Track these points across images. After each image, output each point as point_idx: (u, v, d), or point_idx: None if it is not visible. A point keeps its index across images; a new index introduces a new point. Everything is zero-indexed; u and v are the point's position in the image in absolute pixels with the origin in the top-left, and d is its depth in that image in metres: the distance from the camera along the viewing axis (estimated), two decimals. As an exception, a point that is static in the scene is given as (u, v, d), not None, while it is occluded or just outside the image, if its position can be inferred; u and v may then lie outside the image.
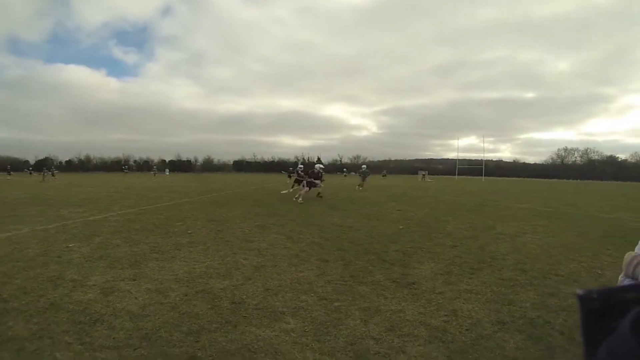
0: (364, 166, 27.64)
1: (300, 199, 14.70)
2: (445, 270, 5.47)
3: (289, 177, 30.03)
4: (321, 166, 17.17)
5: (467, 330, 3.47)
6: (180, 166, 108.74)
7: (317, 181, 16.31)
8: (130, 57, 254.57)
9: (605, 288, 0.44)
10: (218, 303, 3.93)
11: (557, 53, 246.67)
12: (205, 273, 5.01)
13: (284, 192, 20.29)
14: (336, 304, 4.02)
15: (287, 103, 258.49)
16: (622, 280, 1.47)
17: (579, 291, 0.46)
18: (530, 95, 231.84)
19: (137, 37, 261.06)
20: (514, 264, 5.90)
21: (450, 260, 6.06)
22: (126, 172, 75.09)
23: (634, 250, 1.49)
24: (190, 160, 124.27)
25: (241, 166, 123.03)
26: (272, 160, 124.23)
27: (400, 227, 9.40)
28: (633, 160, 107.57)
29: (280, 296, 4.18)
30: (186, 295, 4.12)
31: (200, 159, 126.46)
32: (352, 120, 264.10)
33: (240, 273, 5.04)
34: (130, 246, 6.55)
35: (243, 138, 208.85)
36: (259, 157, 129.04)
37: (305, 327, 3.44)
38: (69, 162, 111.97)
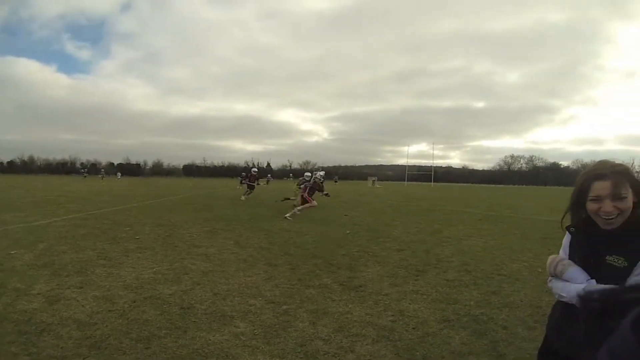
0: (322, 172, 27.89)
1: (298, 212, 12.58)
2: (392, 273, 5.72)
3: (241, 182, 30.37)
4: (321, 174, 14.17)
5: (413, 328, 3.66)
6: (129, 170, 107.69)
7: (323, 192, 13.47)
8: (83, 53, 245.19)
9: (606, 289, 0.46)
10: (167, 309, 4.01)
11: (509, 65, 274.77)
12: (154, 279, 5.10)
13: (243, 198, 19.87)
14: (284, 307, 4.17)
15: (241, 107, 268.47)
16: (549, 279, 1.60)
17: (580, 292, 0.47)
18: (480, 104, 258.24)
19: (93, 32, 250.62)
20: (458, 266, 6.28)
21: (396, 264, 6.34)
22: (85, 176, 68.95)
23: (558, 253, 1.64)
24: (139, 164, 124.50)
25: (191, 171, 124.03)
26: (222, 165, 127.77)
27: (348, 231, 9.70)
28: (575, 167, 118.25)
29: (229, 300, 4.33)
30: (134, 302, 4.18)
31: (150, 163, 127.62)
32: (303, 125, 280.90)
33: (189, 278, 5.18)
34: (77, 252, 6.52)
35: (194, 142, 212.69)
36: (209, 162, 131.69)
37: (255, 330, 3.54)
38: (11, 163, 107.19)
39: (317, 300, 4.43)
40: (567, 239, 1.62)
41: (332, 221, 11.93)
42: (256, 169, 21.86)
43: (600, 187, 1.37)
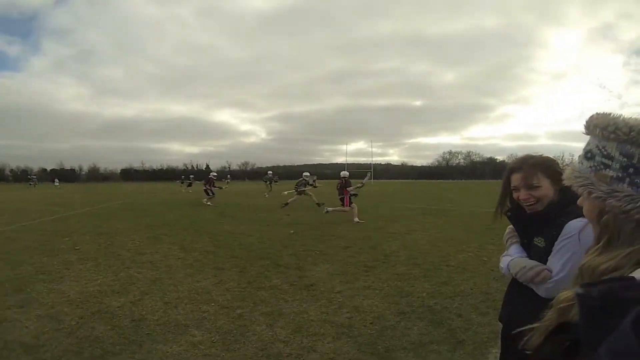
0: (270, 172, 29.88)
1: (356, 219, 12.04)
2: (341, 270, 5.89)
3: (189, 185, 31.48)
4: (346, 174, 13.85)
5: (371, 323, 3.81)
6: (64, 176, 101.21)
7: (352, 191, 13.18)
8: (12, 49, 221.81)
9: (605, 287, 0.48)
10: (118, 322, 3.94)
11: (446, 66, 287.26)
12: (99, 291, 5.00)
13: (207, 202, 19.34)
14: (239, 311, 4.20)
15: (178, 108, 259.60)
16: (503, 256, 1.78)
17: (579, 290, 0.50)
18: (418, 103, 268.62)
19: (23, 25, 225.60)
20: (406, 260, 6.59)
21: (344, 261, 6.54)
22: (33, 185, 60.55)
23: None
24: (74, 169, 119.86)
25: (129, 175, 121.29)
26: (161, 168, 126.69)
27: (292, 231, 9.87)
28: (509, 161, 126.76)
29: (181, 308, 4.33)
30: (82, 318, 4.07)
31: (86, 168, 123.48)
32: (241, 126, 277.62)
33: (136, 288, 5.13)
34: (13, 269, 6.26)
35: (131, 145, 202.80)
36: (147, 165, 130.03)
37: (213, 338, 3.54)
38: None
39: (270, 302, 4.49)
40: None
41: (275, 222, 12.10)
42: (215, 173, 22.34)
43: (515, 179, 1.66)
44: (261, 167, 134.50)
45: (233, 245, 8.05)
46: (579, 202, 0.77)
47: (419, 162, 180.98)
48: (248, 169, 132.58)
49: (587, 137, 0.75)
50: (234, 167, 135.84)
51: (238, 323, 3.86)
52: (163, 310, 4.26)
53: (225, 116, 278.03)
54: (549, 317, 0.68)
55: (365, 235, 9.32)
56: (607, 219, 0.67)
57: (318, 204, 15.95)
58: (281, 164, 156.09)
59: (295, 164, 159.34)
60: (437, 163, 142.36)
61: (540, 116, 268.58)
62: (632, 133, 0.64)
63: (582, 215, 1.39)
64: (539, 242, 1.62)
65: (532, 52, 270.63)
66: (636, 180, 0.64)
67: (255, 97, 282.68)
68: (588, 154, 0.72)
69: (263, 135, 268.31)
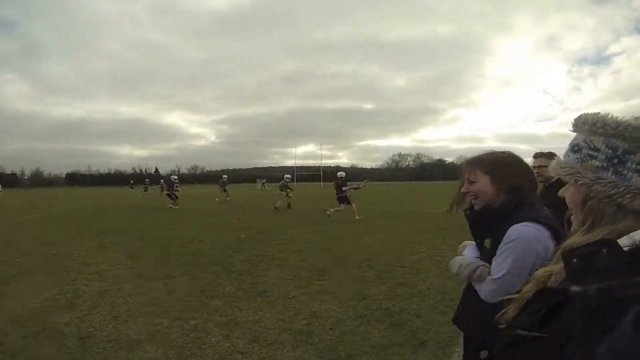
0: (225, 176, 29.68)
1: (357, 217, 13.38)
2: (294, 275, 5.89)
3: (145, 190, 31.85)
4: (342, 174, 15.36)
5: (330, 329, 3.81)
6: (3, 180, 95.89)
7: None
8: None
9: (603, 285, 0.50)
10: (65, 341, 3.75)
11: (398, 70, 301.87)
12: (44, 307, 4.76)
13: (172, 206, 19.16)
14: (192, 322, 4.09)
15: (128, 109, 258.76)
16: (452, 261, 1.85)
17: (576, 288, 0.51)
18: (369, 106, 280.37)
19: None
20: (360, 262, 6.68)
21: (297, 265, 6.55)
22: None
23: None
24: (16, 174, 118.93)
25: (75, 179, 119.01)
26: (108, 172, 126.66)
27: (242, 236, 9.83)
28: (459, 163, 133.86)
29: (132, 322, 4.17)
30: (26, 338, 3.86)
31: (28, 172, 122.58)
32: (191, 129, 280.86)
33: (84, 302, 4.93)
34: None
35: (78, 147, 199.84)
36: (94, 170, 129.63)
37: (167, 353, 3.42)
38: None
39: (224, 310, 4.40)
40: None
41: (225, 226, 12.08)
42: (176, 176, 22.29)
43: (461, 174, 1.76)
44: (211, 171, 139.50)
45: (183, 252, 7.94)
46: (560, 192, 0.86)
47: (368, 164, 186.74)
48: (197, 172, 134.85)
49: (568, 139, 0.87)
50: (184, 170, 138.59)
51: (193, 335, 3.76)
52: (113, 325, 4.10)
53: (175, 118, 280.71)
54: (527, 289, 0.80)
55: (317, 238, 9.37)
56: (592, 203, 0.76)
57: (276, 208, 17.59)
58: (230, 167, 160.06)
59: (245, 168, 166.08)
60: (387, 165, 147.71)
61: (488, 119, 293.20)
62: (619, 128, 0.74)
63: (527, 220, 1.47)
64: (487, 243, 1.67)
65: (482, 59, 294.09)
66: (619, 169, 0.74)
67: (206, 99, 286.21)
68: (575, 148, 0.81)
69: (213, 138, 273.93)
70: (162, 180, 31.42)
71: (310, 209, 17.75)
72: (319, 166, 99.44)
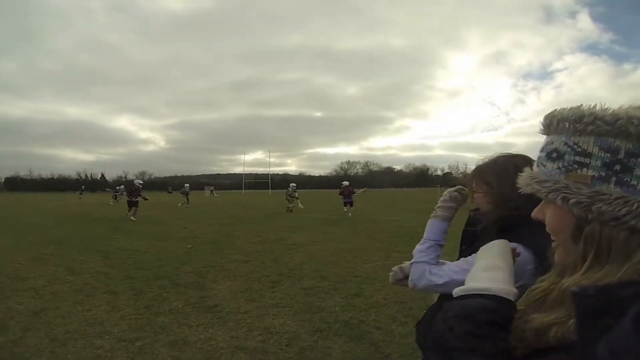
0: (187, 185, 30.94)
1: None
2: (245, 287, 5.68)
3: (115, 197, 30.17)
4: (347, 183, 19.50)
5: (287, 345, 3.63)
6: None
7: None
8: None
9: (601, 285, 0.47)
10: None
11: (350, 79, 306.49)
12: None
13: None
14: (138, 343, 3.79)
15: (73, 111, 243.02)
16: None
17: (574, 288, 0.46)
18: (319, 114, 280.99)
19: None
20: (312, 273, 6.55)
21: (246, 276, 6.35)
22: None
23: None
24: None
25: (15, 184, 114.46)
26: (51, 177, 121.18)
27: (190, 246, 9.55)
28: (407, 170, 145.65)
29: (71, 346, 3.83)
30: None
31: None
32: (140, 133, 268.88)
33: (16, 323, 4.51)
34: None
35: (18, 150, 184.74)
36: (36, 174, 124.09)
37: None
38: None
39: (172, 329, 4.12)
40: None
41: (172, 236, 11.72)
42: (141, 182, 20.12)
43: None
44: (159, 177, 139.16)
45: (127, 264, 7.58)
46: (534, 213, 0.67)
47: (317, 172, 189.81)
48: (145, 179, 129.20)
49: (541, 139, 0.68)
50: (131, 176, 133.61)
51: (139, 359, 3.48)
52: (50, 349, 3.75)
53: (123, 122, 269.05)
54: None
55: (265, 247, 9.22)
56: (593, 229, 0.57)
57: (290, 210, 21.93)
58: (179, 174, 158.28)
59: (193, 174, 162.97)
60: (335, 173, 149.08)
61: (436, 129, 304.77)
62: (618, 122, 0.55)
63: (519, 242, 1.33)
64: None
65: (433, 71, 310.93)
66: (625, 179, 0.55)
67: (156, 103, 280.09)
68: (553, 154, 0.62)
69: (162, 143, 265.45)
70: (122, 186, 29.84)
71: (258, 217, 17.49)
72: (267, 173, 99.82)
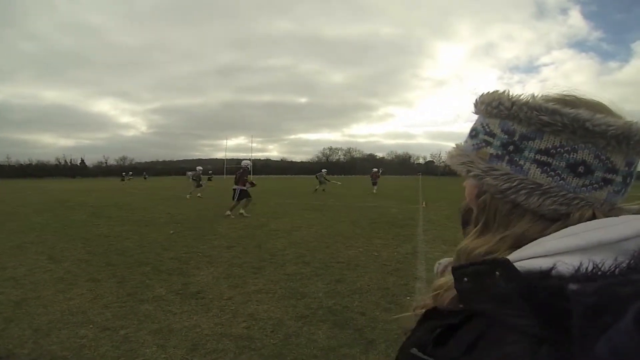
0: (199, 168, 28.83)
1: None
2: (227, 273, 5.66)
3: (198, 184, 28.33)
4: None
5: (272, 332, 3.64)
6: None
7: None
8: None
9: (599, 283, 0.47)
10: None
11: (336, 66, 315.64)
12: None
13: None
14: (122, 332, 3.74)
15: (52, 94, 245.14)
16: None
17: (572, 286, 0.47)
18: (303, 100, 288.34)
19: None
20: (294, 258, 6.58)
21: (229, 262, 6.33)
22: None
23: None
24: None
25: None
26: (29, 163, 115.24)
27: (172, 231, 9.45)
28: (389, 158, 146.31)
29: (55, 336, 3.74)
30: None
31: None
32: (121, 118, 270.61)
33: None
34: None
35: None
36: (13, 160, 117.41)
37: None
38: None
39: (156, 316, 4.07)
40: None
41: (153, 221, 11.58)
42: (201, 168, 22.95)
43: None
44: (140, 163, 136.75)
45: (109, 251, 7.44)
46: (464, 183, 0.73)
47: (298, 157, 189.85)
48: (126, 164, 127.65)
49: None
50: (112, 162, 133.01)
51: (124, 347, 3.41)
52: (33, 340, 3.67)
53: (105, 106, 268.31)
54: (424, 301, 0.69)
55: (248, 233, 9.20)
56: (485, 199, 0.65)
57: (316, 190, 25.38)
58: (160, 159, 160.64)
59: (175, 159, 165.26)
60: (317, 159, 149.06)
61: (420, 117, 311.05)
62: (513, 108, 0.61)
63: None
64: None
65: (420, 60, 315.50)
66: (515, 159, 0.61)
67: (139, 87, 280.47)
68: (472, 132, 0.69)
69: (143, 128, 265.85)
70: (199, 168, 27.82)
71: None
72: (249, 158, 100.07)
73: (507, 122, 0.62)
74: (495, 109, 0.63)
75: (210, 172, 64.74)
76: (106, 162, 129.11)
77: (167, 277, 5.53)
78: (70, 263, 6.57)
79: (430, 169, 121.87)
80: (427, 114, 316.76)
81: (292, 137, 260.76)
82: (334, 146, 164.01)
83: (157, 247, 7.61)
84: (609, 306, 0.43)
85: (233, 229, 9.85)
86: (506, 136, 0.62)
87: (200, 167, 25.94)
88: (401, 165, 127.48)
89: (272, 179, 59.30)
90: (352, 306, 4.25)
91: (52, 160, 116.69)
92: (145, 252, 7.19)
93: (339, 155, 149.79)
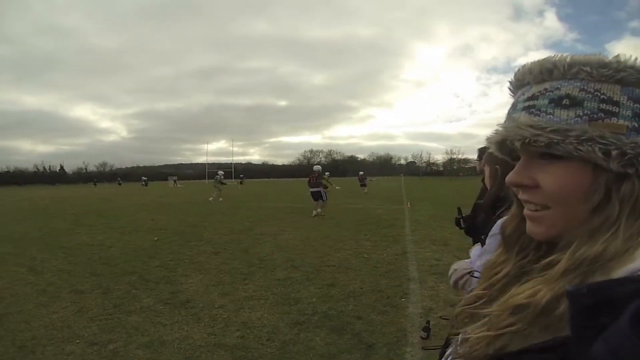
0: (221, 172, 28.99)
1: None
2: (217, 280, 5.53)
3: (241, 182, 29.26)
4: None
5: (268, 340, 3.52)
6: None
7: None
8: None
9: (595, 283, 0.44)
10: None
11: (315, 68, 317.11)
12: None
13: None
14: (111, 346, 3.55)
15: (31, 99, 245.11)
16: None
17: (568, 287, 0.44)
18: (283, 103, 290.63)
19: None
20: (283, 263, 6.47)
21: (218, 268, 6.19)
22: None
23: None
24: None
25: None
26: (7, 170, 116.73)
27: (156, 238, 9.24)
28: (371, 159, 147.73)
29: (39, 353, 3.56)
30: None
31: None
32: (101, 123, 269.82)
33: None
34: None
35: None
36: None
37: None
38: None
39: (145, 328, 3.90)
40: None
41: (137, 228, 11.32)
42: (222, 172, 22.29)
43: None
44: (120, 168, 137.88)
45: (92, 260, 7.19)
46: (513, 178, 0.56)
47: (280, 160, 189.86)
48: (107, 170, 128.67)
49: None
50: (92, 168, 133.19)
51: None
52: (18, 358, 3.50)
53: (84, 111, 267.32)
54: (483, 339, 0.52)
55: (234, 238, 9.07)
56: (633, 185, 0.49)
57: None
58: (141, 164, 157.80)
59: (156, 165, 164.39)
60: (298, 162, 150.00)
61: (401, 118, 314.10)
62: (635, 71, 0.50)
63: None
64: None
65: (400, 62, 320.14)
66: None
67: (118, 91, 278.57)
68: (563, 101, 0.52)
69: (123, 133, 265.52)
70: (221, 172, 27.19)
71: (226, 207, 17.19)
72: (231, 163, 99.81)
73: (634, 90, 0.51)
74: (618, 72, 0.51)
75: (241, 175, 67.40)
76: (86, 169, 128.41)
77: (154, 286, 5.35)
78: (52, 274, 6.32)
79: (412, 170, 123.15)
80: (407, 115, 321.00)
81: (273, 140, 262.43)
82: (315, 148, 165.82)
83: (142, 255, 7.41)
84: (605, 306, 0.41)
85: (218, 234, 9.70)
86: (637, 105, 0.50)
87: (222, 172, 25.73)
88: (383, 167, 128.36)
89: (254, 183, 59.02)
90: (348, 310, 4.16)
91: (30, 167, 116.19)
92: (130, 261, 6.98)
93: (320, 158, 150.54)
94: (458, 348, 0.58)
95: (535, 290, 0.49)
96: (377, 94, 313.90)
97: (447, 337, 0.78)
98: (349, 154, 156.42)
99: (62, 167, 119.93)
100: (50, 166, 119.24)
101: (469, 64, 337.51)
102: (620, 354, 0.36)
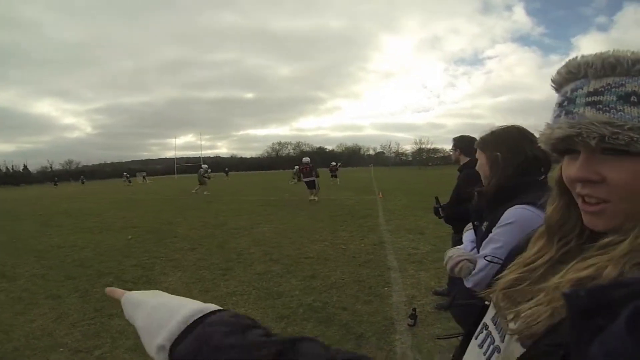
0: (204, 166, 27.73)
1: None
2: (196, 277, 5.46)
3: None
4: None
5: (256, 335, 3.48)
6: None
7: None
8: None
9: (593, 286, 0.45)
10: None
11: (282, 60, 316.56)
12: None
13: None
14: (97, 352, 3.43)
15: None
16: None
17: (566, 290, 0.46)
18: (249, 95, 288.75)
19: None
20: (261, 256, 6.46)
21: (196, 265, 6.13)
22: None
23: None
24: None
25: None
26: None
27: (129, 237, 9.02)
28: (339, 150, 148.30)
29: None
30: None
31: None
32: (64, 119, 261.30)
33: None
34: None
35: None
36: None
37: None
38: None
39: (130, 331, 3.77)
40: None
41: (108, 227, 10.98)
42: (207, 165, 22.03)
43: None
44: (87, 166, 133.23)
45: (66, 263, 6.90)
46: (580, 173, 0.56)
47: (248, 153, 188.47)
48: (72, 168, 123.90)
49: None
50: (57, 166, 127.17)
51: None
52: None
53: (45, 107, 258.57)
54: (543, 312, 0.55)
55: (208, 233, 8.98)
56: None
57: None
58: (108, 161, 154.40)
59: (123, 161, 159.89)
60: (266, 154, 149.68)
61: (367, 109, 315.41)
62: None
63: (529, 203, 1.36)
64: (484, 226, 1.57)
65: (368, 53, 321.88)
66: None
67: (80, 85, 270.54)
68: (632, 97, 0.52)
69: (88, 129, 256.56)
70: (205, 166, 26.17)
71: (195, 202, 16.94)
72: (199, 157, 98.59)
73: None
74: None
75: (226, 169, 67.18)
76: (51, 167, 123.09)
77: (132, 287, 5.10)
78: (25, 280, 6.06)
79: (381, 160, 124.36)
80: (376, 105, 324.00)
81: (241, 133, 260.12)
82: (283, 140, 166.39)
83: (117, 255, 7.22)
84: (601, 309, 0.42)
85: (192, 229, 9.57)
86: None
87: (205, 165, 25.69)
88: (351, 157, 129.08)
89: (224, 176, 58.22)
90: (332, 301, 4.19)
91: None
92: (105, 261, 6.78)
93: (289, 150, 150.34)
94: (509, 325, 0.60)
95: (600, 266, 0.51)
96: (345, 85, 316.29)
97: (468, 326, 0.80)
98: (318, 145, 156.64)
99: (25, 167, 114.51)
100: (12, 166, 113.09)
101: (438, 56, 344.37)
102: (615, 356, 0.37)
